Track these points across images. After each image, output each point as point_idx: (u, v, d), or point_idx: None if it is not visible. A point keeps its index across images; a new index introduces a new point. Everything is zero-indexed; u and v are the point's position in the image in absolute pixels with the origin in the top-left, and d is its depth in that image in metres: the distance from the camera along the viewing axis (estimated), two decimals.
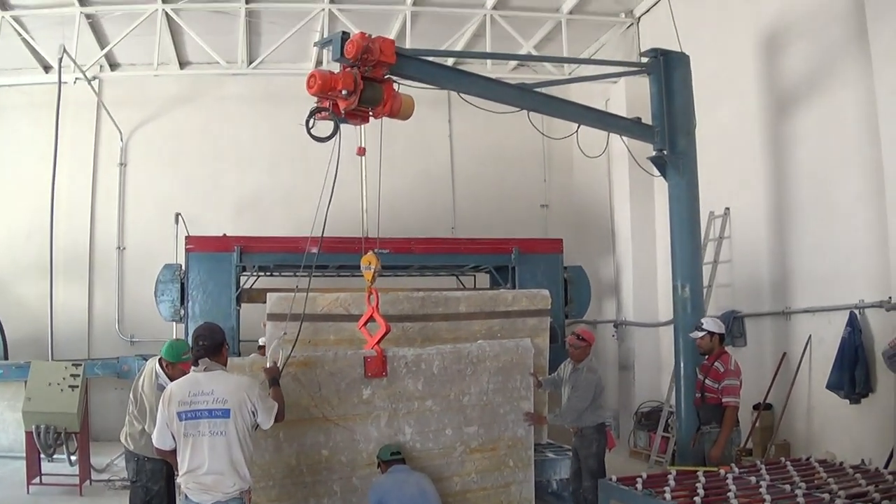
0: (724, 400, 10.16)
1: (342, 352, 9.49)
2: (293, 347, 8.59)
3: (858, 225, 12.51)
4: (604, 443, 10.91)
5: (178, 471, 7.07)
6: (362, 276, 9.63)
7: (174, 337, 13.37)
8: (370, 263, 9.50)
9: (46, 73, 19.19)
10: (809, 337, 13.45)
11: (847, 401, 12.30)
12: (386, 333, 9.46)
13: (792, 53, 14.09)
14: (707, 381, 10.43)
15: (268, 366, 8.18)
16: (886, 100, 11.56)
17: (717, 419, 10.21)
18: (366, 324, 9.60)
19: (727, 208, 15.70)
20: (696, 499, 7.88)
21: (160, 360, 9.11)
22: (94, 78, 19.50)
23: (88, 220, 19.87)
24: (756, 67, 14.92)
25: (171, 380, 8.73)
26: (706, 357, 10.73)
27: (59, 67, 16.11)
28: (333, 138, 8.77)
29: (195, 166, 20.27)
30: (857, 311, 12.28)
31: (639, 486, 8.68)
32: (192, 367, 7.13)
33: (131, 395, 9.34)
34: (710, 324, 10.67)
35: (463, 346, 10.26)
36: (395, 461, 9.23)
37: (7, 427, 16.37)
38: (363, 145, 9.55)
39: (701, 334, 10.57)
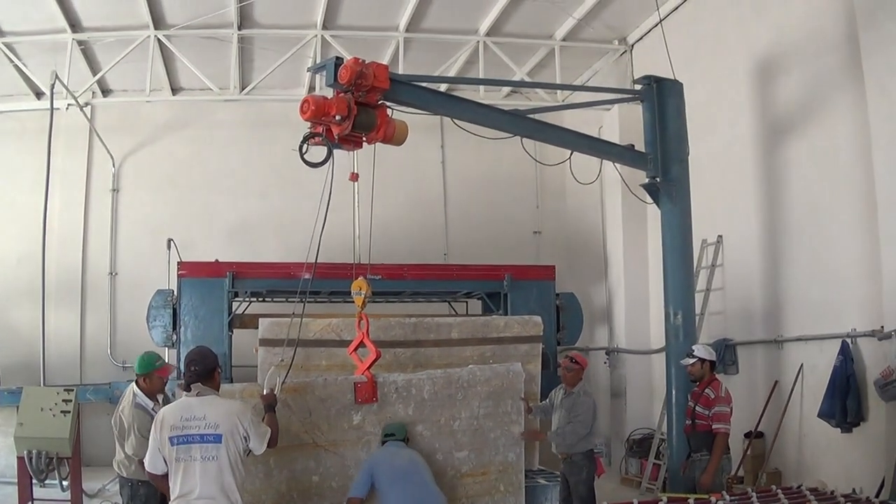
0: (714, 426, 10.14)
1: (332, 377, 9.49)
2: (287, 373, 8.57)
3: (851, 254, 12.51)
4: (593, 469, 10.89)
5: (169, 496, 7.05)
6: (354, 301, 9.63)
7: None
8: (360, 289, 9.50)
9: (38, 99, 19.18)
10: (801, 365, 13.41)
11: (839, 429, 12.24)
12: (376, 359, 9.45)
13: (785, 82, 14.13)
14: (697, 407, 10.41)
15: (264, 392, 8.16)
16: (879, 129, 11.57)
17: (708, 446, 10.18)
18: (356, 349, 9.59)
19: (720, 236, 15.70)
20: None
21: (136, 380, 9.10)
22: (87, 104, 19.45)
23: (80, 245, 19.83)
24: (749, 95, 14.94)
25: (150, 394, 8.80)
26: (697, 384, 10.72)
27: (52, 94, 16.10)
28: (326, 164, 8.78)
29: (187, 192, 20.26)
30: (849, 340, 12.23)
31: None
32: (185, 392, 7.11)
33: (113, 421, 9.30)
34: (702, 351, 10.67)
35: (453, 370, 10.23)
36: (389, 441, 9.29)
37: None
38: (356, 171, 9.56)
39: (692, 361, 10.57)
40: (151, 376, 8.96)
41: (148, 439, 8.52)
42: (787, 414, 13.65)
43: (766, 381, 14.31)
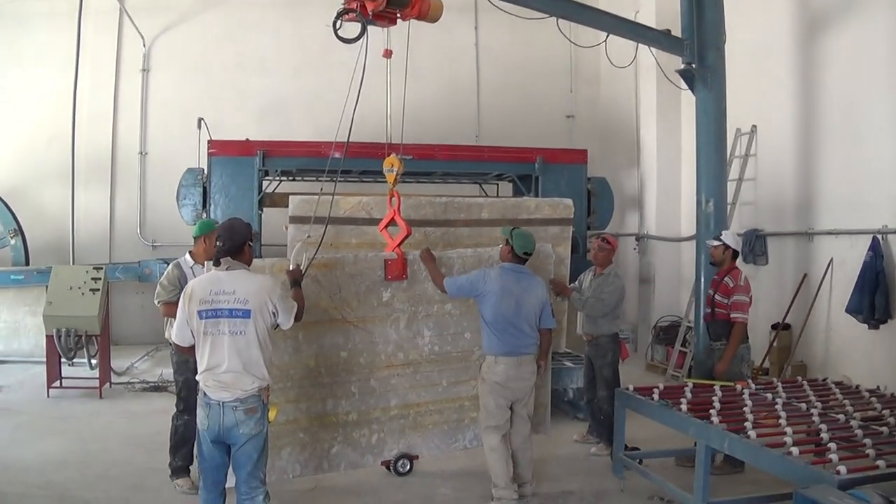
0: (732, 315, 10.00)
1: (363, 254, 9.42)
2: (317, 250, 8.55)
3: (885, 150, 12.42)
4: (618, 352, 10.85)
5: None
6: (385, 180, 9.55)
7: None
8: (393, 166, 9.39)
9: None
10: (831, 259, 13.43)
11: (865, 325, 12.31)
12: (407, 236, 9.37)
13: None
14: (717, 296, 10.29)
15: (291, 268, 8.16)
16: None
17: (727, 335, 10.05)
18: (387, 227, 9.54)
19: (754, 126, 15.60)
20: (712, 412, 7.93)
21: (191, 249, 9.19)
22: None
23: (110, 126, 19.93)
24: None
25: (206, 257, 8.84)
26: (717, 272, 10.63)
27: None
28: (360, 40, 8.68)
29: (218, 72, 20.19)
30: (879, 236, 12.23)
31: (655, 396, 8.74)
32: (214, 267, 7.07)
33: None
34: (729, 237, 10.50)
35: (483, 249, 10.10)
36: (521, 259, 9.07)
37: (28, 332, 16.48)
38: (389, 48, 9.44)
39: (717, 244, 10.42)
40: (211, 237, 9.01)
41: (166, 288, 8.75)
42: (815, 307, 13.70)
43: (796, 273, 14.33)
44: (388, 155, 9.47)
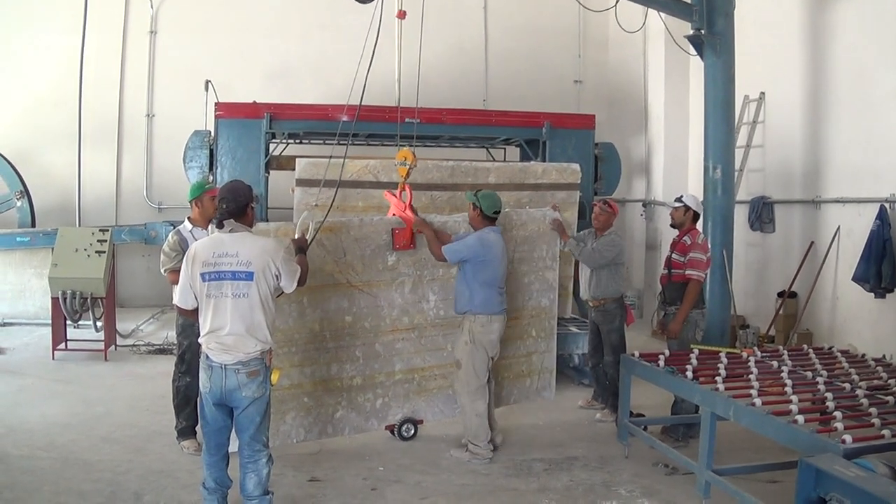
0: (687, 272, 9.89)
1: (368, 218, 9.37)
2: (326, 215, 8.49)
3: (893, 119, 12.41)
4: (625, 317, 10.80)
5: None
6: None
7: None
8: (406, 159, 9.26)
9: None
10: (838, 227, 13.45)
11: (872, 294, 12.35)
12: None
13: None
14: (674, 255, 10.17)
15: (296, 236, 8.09)
16: None
17: (682, 299, 9.95)
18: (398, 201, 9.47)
19: (762, 93, 15.54)
20: (718, 379, 7.91)
21: (189, 215, 9.11)
22: None
23: (117, 87, 19.78)
24: None
25: (204, 220, 8.85)
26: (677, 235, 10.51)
27: None
28: (374, 1, 8.63)
29: (226, 34, 19.97)
30: (887, 205, 12.24)
31: (661, 362, 8.72)
32: (217, 229, 7.02)
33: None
34: (690, 199, 10.31)
35: None
36: (491, 219, 9.12)
37: (34, 294, 16.50)
38: (402, 9, 9.37)
39: (677, 205, 10.31)
40: (202, 199, 8.94)
41: (169, 256, 8.65)
42: (822, 276, 13.74)
43: (803, 241, 14.35)
44: (398, 116, 9.41)
